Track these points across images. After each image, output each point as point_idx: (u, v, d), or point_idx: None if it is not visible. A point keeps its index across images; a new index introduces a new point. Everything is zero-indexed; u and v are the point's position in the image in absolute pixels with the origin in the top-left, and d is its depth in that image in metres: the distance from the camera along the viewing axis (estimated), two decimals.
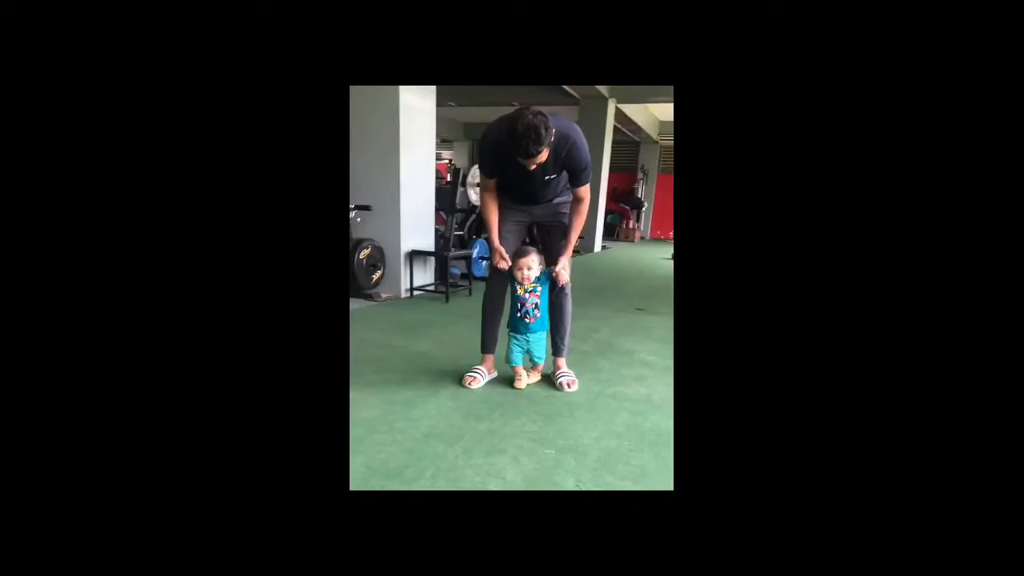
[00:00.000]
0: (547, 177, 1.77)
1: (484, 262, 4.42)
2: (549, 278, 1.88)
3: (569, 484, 1.34)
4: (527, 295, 1.86)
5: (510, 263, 1.86)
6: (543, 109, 1.60)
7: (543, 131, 1.53)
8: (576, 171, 1.75)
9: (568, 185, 1.84)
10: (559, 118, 1.71)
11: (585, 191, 1.81)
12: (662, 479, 1.38)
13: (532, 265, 1.83)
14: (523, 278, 1.83)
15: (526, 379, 2.00)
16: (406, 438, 1.55)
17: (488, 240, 1.94)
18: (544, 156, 1.61)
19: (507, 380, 2.03)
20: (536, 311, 1.88)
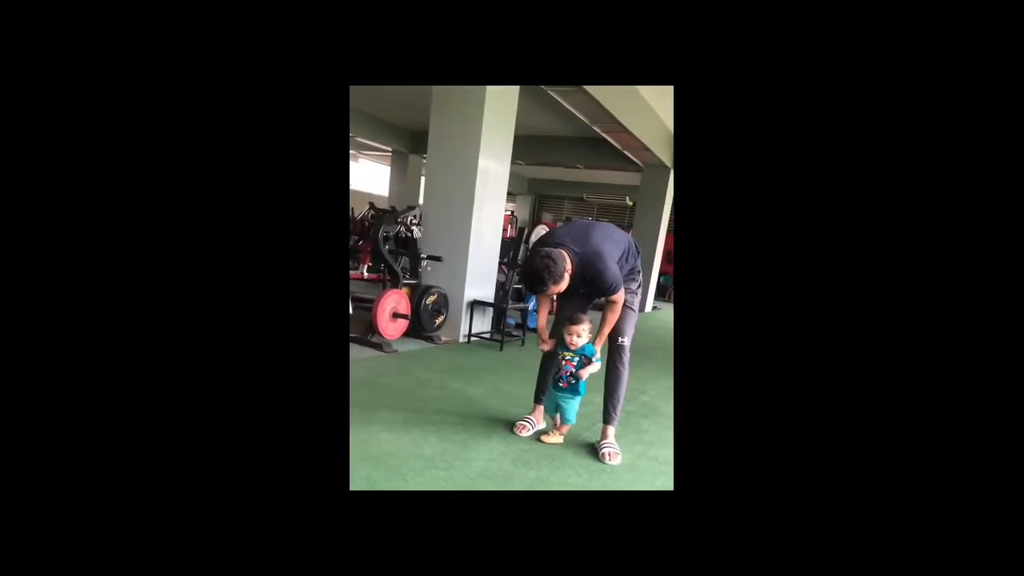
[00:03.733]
0: (581, 291, 2.02)
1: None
2: (586, 359, 2.01)
3: None
4: (565, 362, 2.03)
5: (548, 347, 2.08)
6: (549, 252, 1.83)
7: (546, 275, 1.79)
8: (602, 289, 1.94)
9: (627, 283, 2.03)
10: (596, 232, 1.93)
11: (615, 296, 1.96)
12: None
13: (582, 333, 2.00)
14: (571, 343, 2.01)
15: (554, 438, 2.11)
16: (461, 476, 1.73)
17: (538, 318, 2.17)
18: (561, 287, 1.86)
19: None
20: (572, 379, 2.03)
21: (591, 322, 2.03)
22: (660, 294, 10.01)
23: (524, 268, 1.88)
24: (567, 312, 2.09)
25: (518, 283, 4.55)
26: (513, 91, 3.80)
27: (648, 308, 7.96)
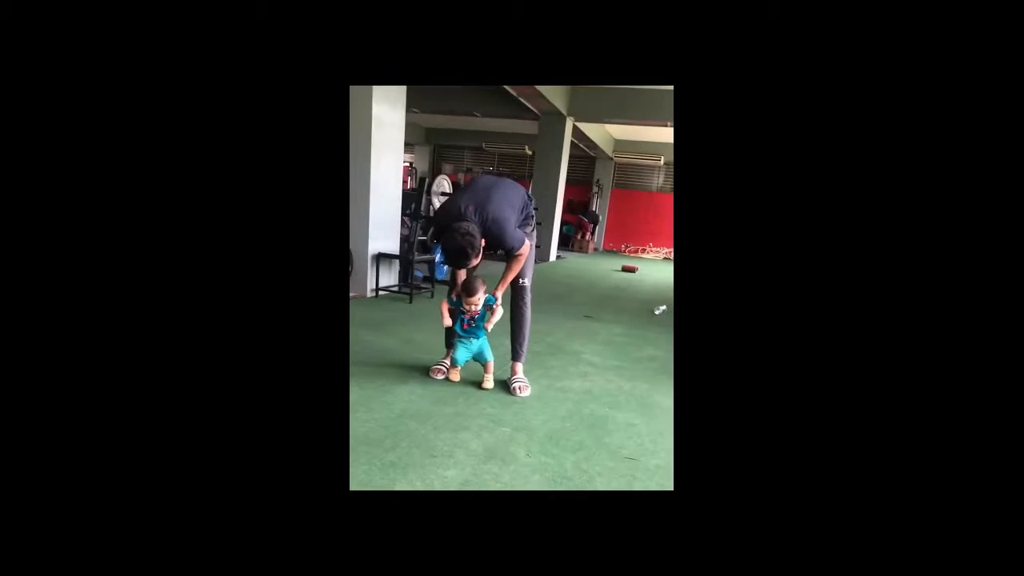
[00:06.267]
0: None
1: (446, 266, 4.67)
2: (489, 308, 2.15)
3: (521, 454, 1.63)
4: (467, 315, 2.17)
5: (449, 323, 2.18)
6: (467, 228, 1.90)
7: (469, 250, 1.91)
8: (504, 247, 2.06)
9: (524, 227, 2.14)
10: (493, 198, 2.00)
11: (520, 252, 2.09)
12: (596, 451, 1.70)
13: (479, 301, 2.12)
14: (472, 309, 2.13)
15: (487, 382, 2.22)
16: (383, 417, 1.80)
17: (450, 280, 2.24)
18: (479, 259, 2.01)
19: (469, 374, 2.30)
20: (472, 321, 2.16)
21: (485, 283, 2.14)
22: (563, 244, 10.43)
23: (446, 247, 1.94)
24: (465, 276, 2.17)
25: (423, 235, 4.54)
26: None
27: (552, 257, 8.28)
